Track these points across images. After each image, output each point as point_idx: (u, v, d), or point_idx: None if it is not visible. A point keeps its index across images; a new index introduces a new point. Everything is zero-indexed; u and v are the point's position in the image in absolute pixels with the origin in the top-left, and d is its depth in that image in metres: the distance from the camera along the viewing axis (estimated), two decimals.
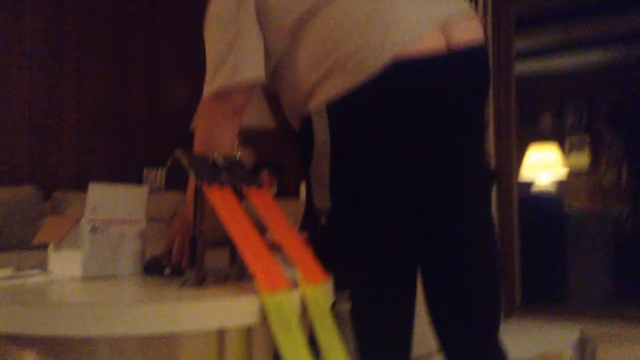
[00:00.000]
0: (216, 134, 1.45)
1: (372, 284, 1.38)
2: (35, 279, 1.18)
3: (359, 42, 1.27)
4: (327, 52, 1.31)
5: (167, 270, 1.25)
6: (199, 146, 1.48)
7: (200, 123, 1.51)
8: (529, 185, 5.55)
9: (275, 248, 1.21)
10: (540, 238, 3.82)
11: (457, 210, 1.43)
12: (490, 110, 3.19)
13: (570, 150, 6.10)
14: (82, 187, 1.25)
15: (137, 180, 3.62)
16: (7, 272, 1.18)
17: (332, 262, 1.26)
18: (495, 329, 1.43)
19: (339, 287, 1.27)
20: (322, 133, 1.33)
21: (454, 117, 1.37)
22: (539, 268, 3.77)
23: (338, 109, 1.30)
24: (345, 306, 1.35)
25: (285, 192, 3.71)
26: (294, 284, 1.08)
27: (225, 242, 1.17)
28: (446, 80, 1.31)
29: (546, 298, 3.63)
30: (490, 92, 3.18)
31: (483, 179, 1.48)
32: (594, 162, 6.00)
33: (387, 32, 1.26)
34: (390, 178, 1.36)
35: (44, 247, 1.28)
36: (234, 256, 1.23)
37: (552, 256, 3.82)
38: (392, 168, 1.36)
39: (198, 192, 1.13)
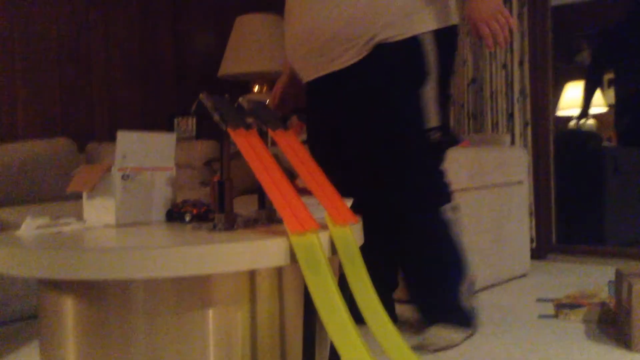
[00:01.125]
0: None
1: None
2: (70, 227, 1.21)
3: None
4: None
5: (188, 217, 1.27)
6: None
7: None
8: (566, 119, 5.40)
9: (305, 193, 1.22)
10: (577, 174, 3.74)
11: None
12: (525, 44, 3.08)
13: (610, 85, 5.86)
14: (115, 139, 1.26)
15: (169, 130, 3.65)
16: (44, 220, 1.22)
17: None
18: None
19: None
20: (432, 56, 1.58)
21: None
22: (575, 206, 3.71)
23: (445, 36, 1.60)
24: (454, 215, 1.64)
25: None
26: (323, 226, 1.09)
27: (255, 189, 1.19)
28: None
29: (582, 237, 3.58)
30: (525, 24, 3.06)
31: None
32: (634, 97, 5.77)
33: None
34: None
35: (79, 197, 1.31)
36: (263, 200, 1.24)
37: (589, 193, 3.74)
38: None
39: (223, 137, 1.13)
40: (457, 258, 1.65)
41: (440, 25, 1.58)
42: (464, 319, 1.64)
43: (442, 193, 1.65)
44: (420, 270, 1.65)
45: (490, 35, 1.51)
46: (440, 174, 1.64)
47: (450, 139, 1.65)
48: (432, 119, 1.59)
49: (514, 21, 1.52)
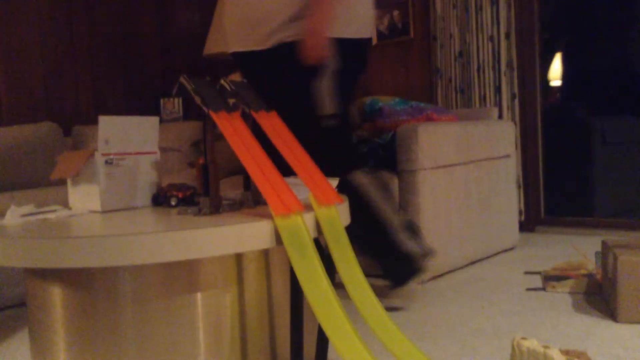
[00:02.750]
0: None
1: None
2: (56, 214, 1.21)
3: None
4: None
5: (174, 201, 1.27)
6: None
7: None
8: (554, 90, 5.40)
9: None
10: (566, 147, 3.76)
11: None
12: (511, 15, 3.06)
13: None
14: None
15: (155, 111, 3.62)
16: (29, 208, 1.21)
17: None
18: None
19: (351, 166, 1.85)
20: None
21: None
22: (563, 178, 3.73)
23: (348, 44, 1.84)
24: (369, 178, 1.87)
25: None
26: (307, 207, 1.09)
27: (241, 171, 1.19)
28: None
29: (571, 209, 3.60)
30: (512, 1, 3.05)
31: None
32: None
33: None
34: None
35: (65, 182, 1.30)
36: (248, 183, 1.23)
37: (578, 166, 3.76)
38: None
39: (206, 120, 1.12)
40: (379, 210, 1.86)
41: (333, 35, 1.77)
42: (409, 260, 1.83)
43: (350, 162, 1.87)
44: (362, 229, 1.89)
45: (307, 50, 1.72)
46: (344, 149, 1.89)
47: (343, 126, 1.88)
48: (327, 108, 1.83)
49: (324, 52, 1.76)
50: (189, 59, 3.75)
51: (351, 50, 1.85)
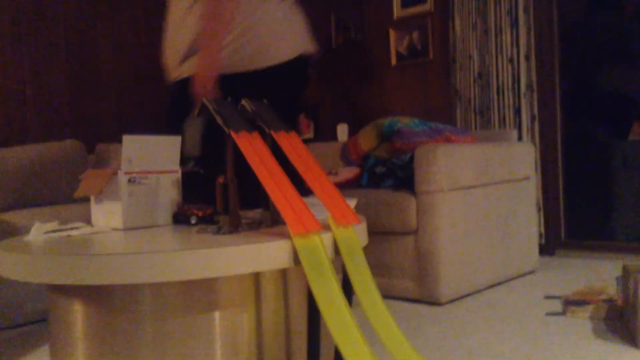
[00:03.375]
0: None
1: None
2: (79, 231, 1.23)
3: None
4: None
5: (194, 219, 1.28)
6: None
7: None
8: (575, 112, 5.36)
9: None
10: (586, 170, 3.72)
11: None
12: (531, 37, 3.07)
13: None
14: None
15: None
16: (53, 225, 1.24)
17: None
18: None
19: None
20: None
21: None
22: (584, 202, 3.69)
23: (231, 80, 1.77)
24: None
25: (322, 134, 3.70)
26: (325, 227, 1.10)
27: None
28: None
29: (592, 232, 3.56)
30: (531, 17, 3.05)
31: None
32: None
33: None
34: None
35: (88, 200, 1.33)
36: (267, 202, 1.25)
37: (599, 189, 3.72)
38: None
39: (227, 139, 1.14)
40: None
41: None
42: None
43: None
44: None
45: (194, 90, 1.70)
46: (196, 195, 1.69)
47: (205, 172, 1.75)
48: (190, 150, 1.80)
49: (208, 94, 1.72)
50: None
51: (244, 83, 1.74)
